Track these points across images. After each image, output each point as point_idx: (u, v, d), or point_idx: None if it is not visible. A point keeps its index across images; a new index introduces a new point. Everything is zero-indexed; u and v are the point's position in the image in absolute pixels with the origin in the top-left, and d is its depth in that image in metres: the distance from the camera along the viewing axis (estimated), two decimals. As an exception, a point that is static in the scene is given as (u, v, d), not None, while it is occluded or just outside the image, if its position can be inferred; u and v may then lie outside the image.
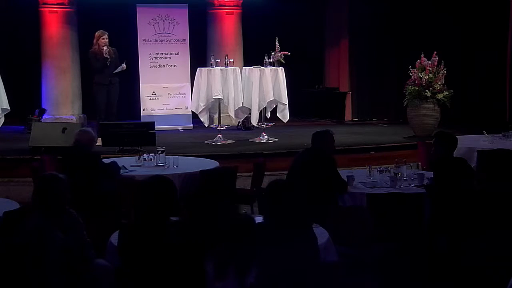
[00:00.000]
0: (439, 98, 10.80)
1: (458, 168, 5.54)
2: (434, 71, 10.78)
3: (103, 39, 10.24)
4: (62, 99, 12.26)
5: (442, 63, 10.86)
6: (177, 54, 12.41)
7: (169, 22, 12.36)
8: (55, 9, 12.14)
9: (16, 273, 4.11)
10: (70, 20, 12.29)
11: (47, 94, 12.25)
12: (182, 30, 12.37)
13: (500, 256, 4.32)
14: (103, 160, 6.97)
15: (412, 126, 11.17)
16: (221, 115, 10.79)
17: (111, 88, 10.39)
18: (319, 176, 5.83)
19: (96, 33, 10.49)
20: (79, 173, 6.20)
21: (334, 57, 14.33)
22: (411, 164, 6.80)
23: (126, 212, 6.06)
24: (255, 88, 10.45)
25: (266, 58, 10.60)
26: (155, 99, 12.21)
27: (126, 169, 6.93)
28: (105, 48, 10.16)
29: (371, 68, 13.81)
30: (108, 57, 10.17)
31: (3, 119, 10.47)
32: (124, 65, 10.47)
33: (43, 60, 12.24)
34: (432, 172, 6.15)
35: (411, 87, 10.92)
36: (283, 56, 10.73)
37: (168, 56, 12.34)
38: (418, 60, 10.89)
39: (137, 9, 12.28)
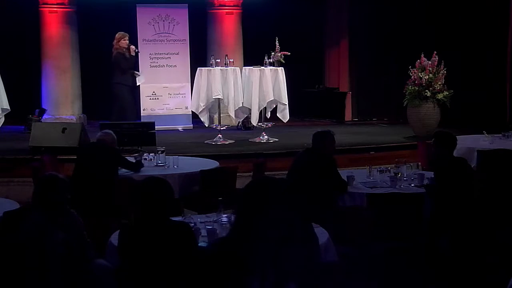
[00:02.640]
0: (439, 98, 10.80)
1: (458, 168, 5.54)
2: (434, 71, 10.78)
3: (125, 40, 10.26)
4: (62, 99, 12.27)
5: (442, 63, 10.86)
6: (177, 54, 12.42)
7: (169, 22, 12.36)
8: (55, 9, 12.15)
9: (16, 272, 4.11)
10: (70, 20, 12.29)
11: (47, 94, 12.26)
12: (182, 30, 12.37)
13: (500, 256, 4.33)
14: None
15: (412, 126, 11.17)
16: (221, 115, 10.79)
17: (133, 89, 10.46)
18: (319, 176, 5.83)
19: (117, 35, 10.53)
20: (100, 167, 6.47)
21: (334, 57, 14.33)
22: (411, 164, 6.80)
23: (126, 212, 6.09)
24: (255, 88, 10.45)
25: (266, 58, 10.60)
26: (155, 99, 12.21)
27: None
28: (132, 47, 10.29)
29: (371, 68, 13.81)
30: (134, 55, 10.28)
31: (3, 119, 10.47)
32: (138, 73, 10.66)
33: (43, 60, 12.25)
34: (432, 172, 6.16)
35: (411, 87, 10.92)
36: (283, 56, 10.73)
37: (168, 56, 12.34)
38: (418, 60, 10.89)
39: (137, 9, 12.28)
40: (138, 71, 10.80)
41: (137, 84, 10.79)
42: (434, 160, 5.93)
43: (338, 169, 6.16)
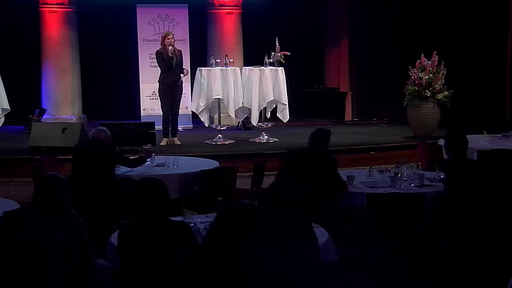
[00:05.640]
0: (439, 98, 10.81)
1: (474, 171, 5.47)
2: (434, 71, 10.78)
3: (168, 39, 9.99)
4: (62, 99, 12.27)
5: (442, 63, 10.86)
6: (177, 54, 12.41)
7: (169, 22, 12.36)
8: (55, 9, 12.15)
9: (16, 273, 4.11)
10: (70, 20, 12.29)
11: (47, 94, 12.26)
12: (182, 30, 12.36)
13: (500, 256, 4.32)
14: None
15: (412, 126, 11.17)
16: (221, 115, 10.79)
17: (175, 88, 10.20)
18: (319, 177, 5.82)
19: (162, 34, 10.40)
20: (97, 165, 6.45)
21: (334, 57, 14.33)
22: (411, 164, 6.80)
23: (126, 212, 6.09)
24: (255, 88, 10.45)
25: (266, 58, 10.60)
26: (155, 99, 12.18)
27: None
28: (170, 47, 9.98)
29: (371, 68, 13.81)
30: (174, 57, 9.99)
31: (3, 119, 10.47)
32: (186, 71, 10.46)
33: (43, 60, 12.24)
34: (432, 172, 6.15)
35: (411, 87, 10.92)
36: (283, 56, 10.72)
37: (168, 56, 12.31)
38: (418, 60, 10.89)
39: (137, 9, 12.28)
40: (183, 71, 10.36)
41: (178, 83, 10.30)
42: (449, 161, 5.82)
43: (338, 169, 6.15)
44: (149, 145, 7.44)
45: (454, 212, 5.17)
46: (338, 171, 6.09)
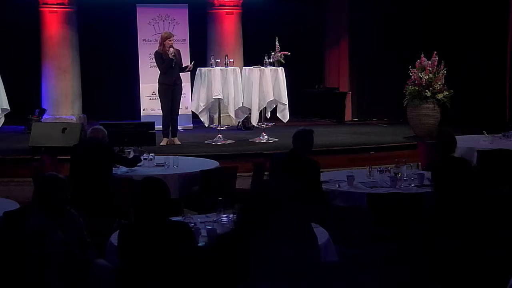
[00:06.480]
0: (439, 98, 10.81)
1: (459, 169, 5.49)
2: (434, 71, 10.79)
3: (170, 40, 10.00)
4: (62, 99, 12.26)
5: (442, 63, 10.86)
6: (177, 54, 12.41)
7: (169, 22, 12.36)
8: (55, 9, 12.15)
9: (16, 273, 4.11)
10: (70, 20, 12.29)
11: (47, 94, 12.25)
12: (182, 30, 12.36)
13: (500, 256, 4.32)
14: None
15: (412, 126, 11.18)
16: (221, 115, 10.79)
17: (175, 88, 10.21)
18: (304, 182, 5.72)
19: (162, 34, 10.37)
20: (94, 164, 6.44)
21: (334, 57, 14.32)
22: (411, 164, 6.80)
23: (126, 212, 6.09)
24: (255, 88, 10.45)
25: (266, 58, 10.60)
26: (155, 99, 12.18)
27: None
28: (171, 49, 9.97)
29: (371, 68, 13.81)
30: (174, 58, 10.01)
31: (3, 119, 10.48)
32: (191, 65, 10.46)
33: (43, 60, 12.24)
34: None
35: (411, 87, 10.93)
36: (283, 56, 10.72)
37: (168, 56, 12.30)
38: (418, 60, 10.90)
39: (137, 9, 12.28)
40: (186, 67, 10.37)
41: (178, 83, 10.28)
42: (435, 160, 5.85)
43: (338, 169, 6.15)
44: (132, 147, 7.45)
45: (444, 211, 5.17)
46: (321, 182, 5.99)
